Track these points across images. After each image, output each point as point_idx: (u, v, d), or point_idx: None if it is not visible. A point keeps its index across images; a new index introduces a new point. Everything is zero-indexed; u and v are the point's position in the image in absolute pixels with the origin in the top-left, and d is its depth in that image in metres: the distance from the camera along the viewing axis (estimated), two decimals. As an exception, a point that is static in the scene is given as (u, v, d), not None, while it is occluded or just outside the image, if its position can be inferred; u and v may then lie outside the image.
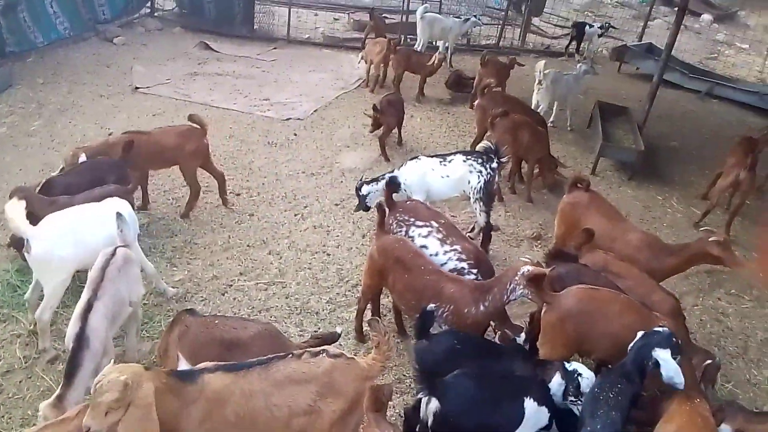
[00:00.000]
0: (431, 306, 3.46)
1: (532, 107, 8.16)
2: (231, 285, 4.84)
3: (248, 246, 5.36)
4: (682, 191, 7.39)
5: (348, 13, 13.57)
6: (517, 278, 3.55)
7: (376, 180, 5.40)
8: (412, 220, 4.39)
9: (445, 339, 3.47)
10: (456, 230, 4.41)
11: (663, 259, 4.45)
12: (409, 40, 11.65)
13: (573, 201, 4.88)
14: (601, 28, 12.56)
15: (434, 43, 11.08)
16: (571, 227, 4.76)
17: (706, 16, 17.52)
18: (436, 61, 8.85)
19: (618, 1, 18.11)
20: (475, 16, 11.31)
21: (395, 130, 7.52)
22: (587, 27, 12.30)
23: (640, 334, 3.31)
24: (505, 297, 3.61)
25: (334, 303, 4.71)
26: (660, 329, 3.27)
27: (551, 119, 8.71)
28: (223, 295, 4.73)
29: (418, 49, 10.44)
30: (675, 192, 7.33)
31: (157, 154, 5.36)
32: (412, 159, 5.53)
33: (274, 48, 11.03)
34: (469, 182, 5.29)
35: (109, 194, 4.45)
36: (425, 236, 4.28)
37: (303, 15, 12.65)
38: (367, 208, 5.39)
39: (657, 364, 3.15)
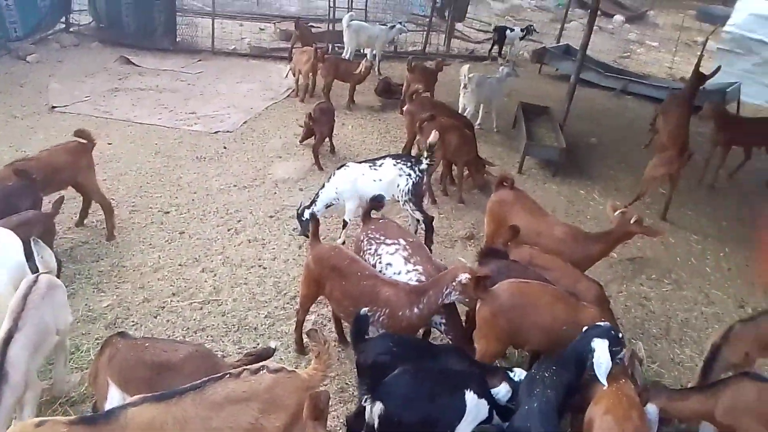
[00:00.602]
0: (365, 310, 3.49)
1: (459, 111, 8.39)
2: (163, 307, 4.70)
3: (180, 265, 5.23)
4: (602, 184, 7.77)
5: (274, 23, 13.50)
6: (454, 284, 3.62)
7: (314, 201, 5.45)
8: (383, 238, 4.35)
9: (381, 342, 3.51)
10: (423, 251, 4.36)
11: (588, 247, 4.69)
12: (336, 48, 11.70)
13: (499, 199, 5.04)
14: (522, 31, 13.05)
15: (362, 50, 11.19)
16: (499, 225, 4.91)
17: (618, 17, 18.52)
18: (363, 69, 8.94)
19: (536, 5, 18.85)
20: (400, 23, 11.51)
21: (327, 139, 7.54)
22: (508, 31, 12.75)
23: (584, 328, 3.46)
24: (440, 300, 3.68)
25: (273, 317, 4.66)
26: (601, 323, 3.41)
27: (478, 122, 8.96)
28: (156, 317, 4.59)
29: (346, 57, 10.52)
30: (596, 186, 7.70)
31: (52, 176, 4.97)
32: (339, 168, 5.57)
33: (199, 60, 10.84)
34: (398, 185, 5.38)
35: (27, 221, 4.25)
36: (392, 254, 4.24)
37: (227, 26, 12.49)
38: (304, 233, 5.39)
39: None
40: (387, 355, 3.40)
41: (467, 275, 3.62)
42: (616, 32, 17.20)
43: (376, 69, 10.86)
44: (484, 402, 3.28)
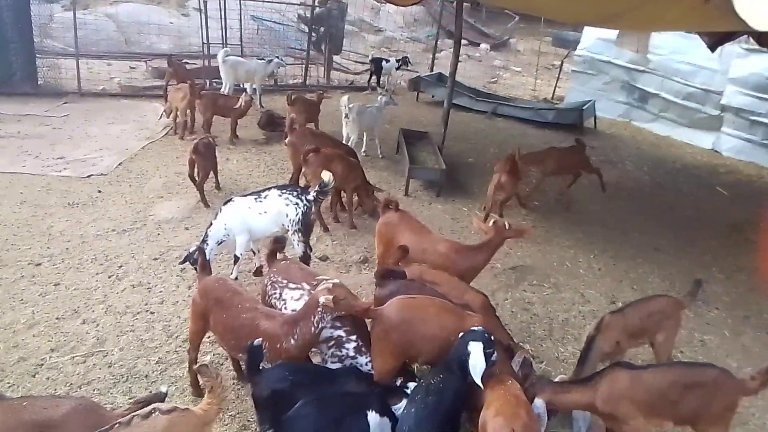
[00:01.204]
0: (258, 341, 3.44)
1: (344, 140, 8.58)
2: (42, 364, 4.33)
3: (57, 318, 4.85)
4: (482, 200, 8.17)
5: (145, 61, 13.07)
6: (319, 309, 3.62)
7: (204, 241, 5.29)
8: (285, 281, 4.22)
9: (276, 372, 3.47)
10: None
11: (471, 259, 4.94)
12: (214, 83, 11.56)
13: (386, 222, 5.21)
14: (397, 61, 13.62)
15: (241, 85, 11.13)
16: (388, 246, 5.06)
17: (484, 45, 19.88)
18: (243, 104, 8.89)
19: (408, 36, 19.76)
20: (277, 57, 11.60)
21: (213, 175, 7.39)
22: (384, 62, 13.25)
23: (461, 333, 3.63)
24: (314, 328, 3.67)
25: (165, 362, 4.44)
26: (476, 328, 3.57)
27: (363, 149, 9.22)
28: (34, 376, 4.22)
29: (225, 92, 10.42)
30: (477, 202, 8.14)
31: None
32: (226, 203, 5.48)
33: (65, 102, 10.24)
34: (287, 215, 5.38)
35: None
36: (297, 299, 4.10)
37: (94, 66, 11.94)
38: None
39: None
40: (284, 383, 3.37)
41: (326, 296, 3.58)
42: (483, 59, 18.44)
43: (258, 102, 10.84)
44: (386, 420, 3.34)
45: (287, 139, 7.12)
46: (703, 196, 9.25)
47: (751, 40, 10.63)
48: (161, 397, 3.19)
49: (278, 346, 3.68)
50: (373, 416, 3.27)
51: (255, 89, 10.98)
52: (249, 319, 3.74)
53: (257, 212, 5.38)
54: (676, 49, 11.81)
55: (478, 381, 3.35)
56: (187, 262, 5.06)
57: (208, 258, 5.00)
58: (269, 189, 5.59)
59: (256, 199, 5.45)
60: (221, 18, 12.18)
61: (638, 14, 5.78)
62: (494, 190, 7.14)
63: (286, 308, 4.09)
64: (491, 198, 7.21)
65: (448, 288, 4.32)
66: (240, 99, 8.93)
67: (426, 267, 4.55)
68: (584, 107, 11.89)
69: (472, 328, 3.57)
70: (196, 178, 7.04)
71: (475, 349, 3.38)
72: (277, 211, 5.39)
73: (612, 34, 11.20)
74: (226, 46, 11.24)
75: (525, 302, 5.94)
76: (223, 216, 5.34)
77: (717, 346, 5.57)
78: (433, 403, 3.24)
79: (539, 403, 3.62)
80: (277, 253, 4.55)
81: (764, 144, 10.91)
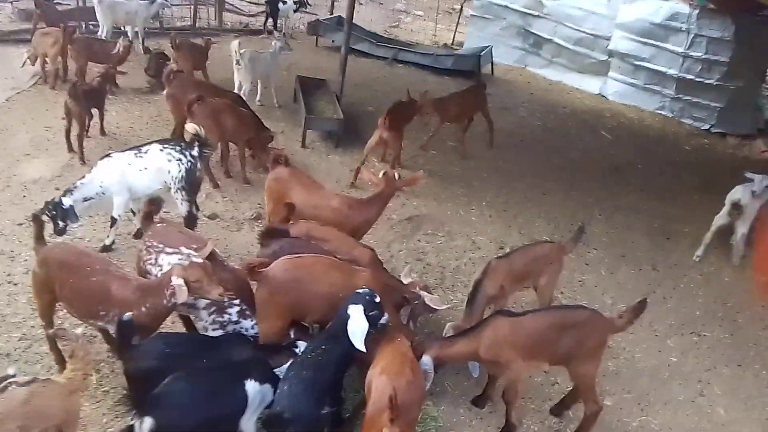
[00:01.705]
0: (128, 315, 3.26)
1: (236, 89, 8.15)
2: None
3: None
4: (381, 151, 8.15)
5: (11, 2, 11.67)
6: (173, 285, 3.41)
7: (70, 191, 4.80)
8: (162, 246, 3.94)
9: (153, 346, 3.32)
10: (214, 258, 3.95)
11: (364, 212, 4.92)
12: (91, 27, 10.56)
13: (276, 177, 5.06)
14: (295, 3, 12.98)
15: (122, 28, 10.23)
16: (278, 203, 4.92)
17: (386, -12, 19.33)
18: (121, 49, 8.16)
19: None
20: (162, -4, 10.70)
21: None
22: (281, 3, 12.58)
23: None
24: (166, 301, 3.49)
25: (30, 338, 4.11)
26: (361, 290, 3.52)
27: (258, 98, 8.82)
28: None
29: (103, 36, 9.54)
30: (376, 153, 8.07)
31: None
32: (102, 159, 5.08)
33: None
34: (169, 172, 5.08)
35: None
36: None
37: (-53, 5, 10.51)
38: (63, 230, 4.72)
39: None
40: (160, 359, 3.22)
41: (180, 280, 3.38)
42: (384, 2, 17.99)
43: (141, 47, 10.03)
44: (267, 386, 3.28)
45: (165, 90, 6.64)
46: (589, 140, 9.70)
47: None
48: (7, 378, 2.95)
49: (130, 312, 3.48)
50: (252, 385, 3.21)
51: (137, 33, 10.13)
52: (99, 282, 3.50)
53: (137, 169, 5.03)
54: (569, -6, 12.05)
55: (360, 346, 3.33)
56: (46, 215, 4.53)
57: (68, 219, 4.61)
58: (150, 144, 5.23)
59: (136, 154, 5.09)
60: (95, -49, 10.99)
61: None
62: (374, 146, 7.09)
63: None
64: (368, 151, 7.14)
65: (336, 244, 4.29)
66: (117, 44, 8.19)
67: (313, 224, 4.47)
68: (482, 53, 11.97)
69: (357, 291, 3.54)
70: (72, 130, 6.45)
71: (355, 313, 3.36)
72: (159, 167, 5.07)
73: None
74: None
75: (419, 252, 6.03)
76: (99, 172, 4.94)
77: (594, 284, 5.97)
78: (309, 378, 3.18)
79: (426, 359, 3.70)
80: (154, 215, 4.29)
81: (646, 88, 11.52)
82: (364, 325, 3.35)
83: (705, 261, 6.58)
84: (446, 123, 8.19)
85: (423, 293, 4.06)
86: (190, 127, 5.10)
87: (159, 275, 3.84)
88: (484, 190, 7.52)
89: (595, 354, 4.01)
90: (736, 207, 6.19)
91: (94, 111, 6.98)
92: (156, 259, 3.95)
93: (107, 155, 5.10)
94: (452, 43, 14.28)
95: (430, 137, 8.31)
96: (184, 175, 5.12)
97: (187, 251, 3.92)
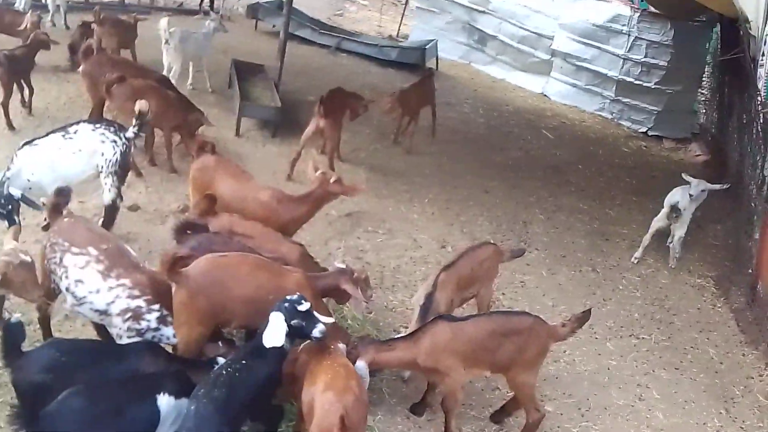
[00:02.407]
0: (17, 317, 2.82)
1: (165, 70, 7.60)
2: None
3: None
4: (321, 142, 7.80)
5: None
6: None
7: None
8: (67, 244, 3.46)
9: (45, 353, 2.88)
10: (125, 257, 3.54)
11: (293, 210, 4.60)
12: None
13: (201, 167, 4.71)
14: (235, -17, 12.39)
15: (43, 0, 9.40)
16: (204, 193, 4.53)
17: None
18: (30, 25, 7.23)
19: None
20: (87, -32, 9.92)
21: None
22: (216, -18, 11.97)
23: None
24: None
25: None
26: (289, 296, 3.17)
27: (189, 82, 8.29)
28: None
29: (20, 8, 8.71)
30: (315, 144, 7.71)
31: None
32: (24, 146, 4.51)
33: None
34: (103, 154, 4.60)
35: None
36: (82, 267, 3.40)
37: None
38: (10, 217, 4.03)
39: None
40: (52, 369, 2.79)
41: None
42: (330, -10, 17.56)
43: (63, 22, 9.25)
44: (184, 401, 2.91)
45: (81, 67, 6.05)
46: (531, 139, 9.67)
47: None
48: None
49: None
50: (165, 400, 2.85)
51: (58, 6, 9.32)
52: None
53: (70, 152, 4.52)
54: (514, -8, 12.02)
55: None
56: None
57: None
58: (77, 123, 4.72)
59: (64, 136, 4.56)
60: None
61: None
62: (311, 136, 6.75)
63: (67, 277, 3.43)
64: (304, 142, 6.79)
65: (261, 240, 3.96)
66: (26, 18, 7.38)
67: (237, 217, 4.12)
68: (426, 46, 11.77)
69: (286, 297, 3.18)
70: None
71: (275, 321, 3.04)
72: (93, 149, 4.58)
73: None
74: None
75: (358, 250, 5.76)
76: (22, 163, 4.38)
77: (535, 285, 5.86)
78: (222, 397, 2.83)
79: (361, 365, 3.42)
80: (62, 207, 3.81)
81: (587, 89, 11.62)
82: (280, 336, 3.03)
83: (643, 263, 6.60)
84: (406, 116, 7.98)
85: (353, 292, 3.82)
86: (140, 104, 4.63)
87: (63, 276, 3.39)
88: (427, 186, 7.31)
89: (536, 362, 3.89)
90: (674, 210, 6.22)
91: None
92: (61, 259, 3.48)
93: (29, 142, 4.54)
94: (397, 35, 14.03)
95: (399, 130, 8.16)
96: (118, 158, 4.66)
97: (95, 252, 3.46)
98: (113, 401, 2.74)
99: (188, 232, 3.86)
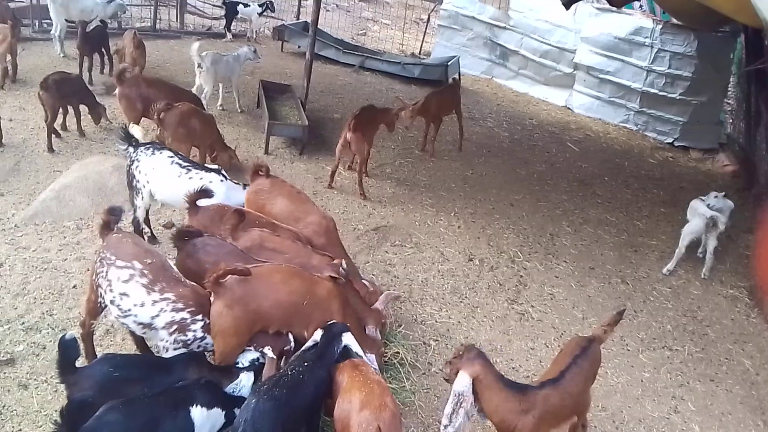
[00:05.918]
0: (71, 333, 2.94)
1: (195, 90, 7.83)
2: None
3: None
4: (347, 159, 7.92)
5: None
6: None
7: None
8: (113, 258, 3.57)
9: (97, 368, 2.99)
10: (168, 272, 3.64)
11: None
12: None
13: (256, 189, 4.83)
14: (260, 7, 12.69)
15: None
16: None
17: (354, -4, 19.24)
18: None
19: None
20: (119, -5, 10.28)
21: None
22: (241, 6, 12.26)
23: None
24: None
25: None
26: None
27: (219, 103, 8.53)
28: None
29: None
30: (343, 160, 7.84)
31: None
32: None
33: None
34: None
35: None
36: (126, 281, 3.49)
37: None
38: None
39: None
40: (105, 385, 2.89)
41: None
42: (352, 10, 17.86)
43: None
44: (217, 411, 3.02)
45: (117, 90, 6.26)
46: (556, 152, 9.68)
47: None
48: None
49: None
50: (198, 411, 2.93)
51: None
52: None
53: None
54: (535, 7, 12.09)
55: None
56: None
57: None
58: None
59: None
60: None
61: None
62: (341, 149, 6.88)
63: (111, 290, 3.55)
64: (338, 158, 6.96)
65: (292, 255, 4.08)
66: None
67: (268, 233, 4.20)
68: (449, 63, 11.90)
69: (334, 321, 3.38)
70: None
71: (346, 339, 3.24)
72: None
73: (476, -11, 11.20)
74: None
75: (386, 264, 5.82)
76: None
77: (564, 298, 5.84)
78: (283, 397, 2.92)
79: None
80: (112, 225, 3.94)
81: (611, 101, 11.61)
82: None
83: (673, 274, 6.54)
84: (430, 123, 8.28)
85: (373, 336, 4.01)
86: (138, 132, 4.85)
87: (109, 290, 3.52)
88: (452, 200, 7.36)
89: (594, 377, 3.84)
90: (713, 220, 6.20)
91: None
92: (107, 273, 3.61)
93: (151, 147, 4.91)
94: (419, 53, 14.21)
95: (425, 139, 8.43)
96: None
97: (139, 266, 3.58)
98: (149, 415, 2.80)
99: (186, 238, 3.96)
